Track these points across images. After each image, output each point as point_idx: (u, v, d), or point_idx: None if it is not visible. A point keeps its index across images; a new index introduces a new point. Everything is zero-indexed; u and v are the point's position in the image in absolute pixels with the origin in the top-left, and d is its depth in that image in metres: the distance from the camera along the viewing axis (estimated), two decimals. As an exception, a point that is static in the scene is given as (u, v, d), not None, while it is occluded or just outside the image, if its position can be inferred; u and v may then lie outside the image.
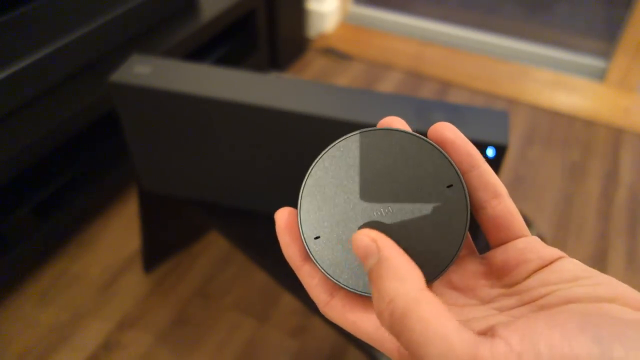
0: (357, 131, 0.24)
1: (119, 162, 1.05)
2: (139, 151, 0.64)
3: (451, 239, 0.23)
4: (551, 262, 0.22)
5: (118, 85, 0.57)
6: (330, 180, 0.23)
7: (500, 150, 0.51)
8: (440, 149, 0.23)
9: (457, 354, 0.16)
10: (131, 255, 1.03)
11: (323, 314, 0.24)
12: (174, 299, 0.96)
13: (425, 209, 0.23)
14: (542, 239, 0.65)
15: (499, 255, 0.23)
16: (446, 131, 0.23)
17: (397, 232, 0.23)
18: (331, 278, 0.23)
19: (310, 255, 0.23)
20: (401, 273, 0.19)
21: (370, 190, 0.23)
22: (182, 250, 1.04)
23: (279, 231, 0.24)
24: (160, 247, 1.00)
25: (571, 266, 0.21)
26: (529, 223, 0.67)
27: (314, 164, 0.24)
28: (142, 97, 0.57)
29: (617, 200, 1.15)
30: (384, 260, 0.19)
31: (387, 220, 0.23)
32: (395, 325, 0.18)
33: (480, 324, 0.20)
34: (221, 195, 0.67)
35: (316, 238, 0.23)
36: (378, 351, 0.55)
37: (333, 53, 1.60)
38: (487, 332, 0.17)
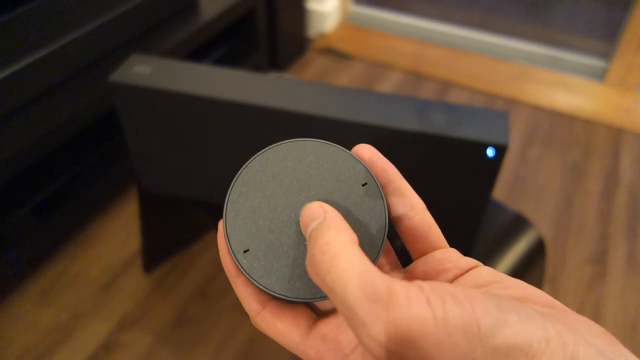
0: (271, 145, 0.25)
1: (119, 162, 1.05)
2: (139, 151, 0.64)
3: (373, 233, 0.24)
4: (467, 271, 0.23)
5: (118, 85, 0.57)
6: (254, 192, 0.24)
7: (500, 150, 0.51)
8: (352, 154, 0.25)
9: (376, 287, 0.17)
10: (131, 255, 1.03)
11: (254, 324, 0.24)
12: (174, 299, 0.96)
13: (346, 207, 0.24)
14: (542, 239, 0.65)
15: (419, 267, 0.25)
16: (364, 150, 0.25)
17: None
18: (264, 289, 0.23)
19: (241, 270, 0.23)
20: (340, 227, 0.20)
21: (293, 197, 0.24)
22: (182, 250, 1.04)
23: (218, 238, 0.25)
24: (160, 247, 1.00)
25: (485, 272, 0.23)
26: (529, 224, 0.67)
27: (235, 179, 0.24)
28: (142, 97, 0.57)
29: (617, 200, 1.15)
30: (328, 218, 0.21)
31: None
32: (324, 264, 0.19)
33: None
34: (221, 195, 0.67)
35: (245, 251, 0.23)
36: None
37: (333, 53, 1.60)
38: None
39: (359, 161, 0.25)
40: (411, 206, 0.25)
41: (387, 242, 0.26)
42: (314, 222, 0.21)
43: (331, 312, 0.24)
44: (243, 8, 1.21)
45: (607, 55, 1.49)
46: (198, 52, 1.20)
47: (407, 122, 0.52)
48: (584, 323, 0.20)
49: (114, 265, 1.01)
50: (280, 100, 0.55)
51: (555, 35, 1.65)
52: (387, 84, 1.49)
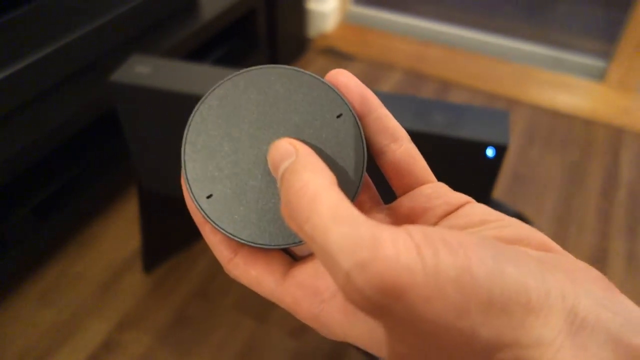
0: (232, 74, 0.22)
1: (119, 162, 1.05)
2: (139, 151, 0.64)
3: (351, 170, 0.22)
4: (458, 207, 0.22)
5: (118, 85, 0.57)
6: (216, 130, 0.22)
7: (501, 150, 0.51)
8: (325, 81, 0.22)
9: (360, 234, 0.16)
10: (131, 255, 1.03)
11: (227, 272, 0.23)
12: (174, 299, 0.96)
13: (320, 141, 0.22)
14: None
15: (405, 203, 0.23)
16: (339, 76, 0.23)
17: None
18: (232, 236, 0.21)
19: (205, 217, 0.21)
20: (317, 167, 0.18)
21: (258, 134, 0.22)
22: (182, 250, 1.04)
23: (183, 189, 0.23)
24: (160, 247, 1.00)
25: (479, 210, 0.21)
26: (529, 223, 0.67)
27: (191, 117, 0.22)
28: (142, 97, 0.57)
29: (617, 200, 1.15)
30: (301, 157, 0.19)
31: None
32: (302, 210, 0.17)
33: None
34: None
35: (208, 197, 0.21)
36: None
37: (333, 53, 1.60)
38: None
39: (332, 89, 0.22)
40: (393, 137, 0.23)
41: (366, 177, 0.24)
42: (284, 162, 0.19)
43: (308, 256, 0.23)
44: (243, 8, 1.21)
45: (607, 55, 1.49)
46: (198, 52, 1.20)
47: (407, 121, 0.52)
48: (582, 268, 0.19)
49: (114, 265, 1.01)
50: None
51: (555, 35, 1.65)
52: (387, 84, 1.49)
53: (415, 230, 0.16)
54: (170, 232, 1.00)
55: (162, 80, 0.56)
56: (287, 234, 0.21)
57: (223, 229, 0.21)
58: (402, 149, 0.23)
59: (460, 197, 0.22)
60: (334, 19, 1.69)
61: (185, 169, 0.22)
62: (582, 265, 0.19)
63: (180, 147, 0.62)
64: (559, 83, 1.49)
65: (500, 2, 1.82)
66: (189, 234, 1.05)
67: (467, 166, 0.53)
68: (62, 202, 0.96)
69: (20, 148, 0.79)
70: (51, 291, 0.96)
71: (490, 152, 0.51)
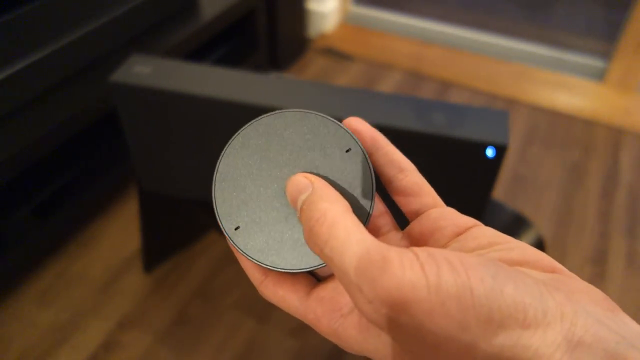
0: (250, 122, 0.25)
1: (119, 162, 1.05)
2: (139, 151, 0.64)
3: (362, 197, 0.24)
4: (466, 230, 0.23)
5: (118, 85, 0.57)
6: (240, 170, 0.25)
7: (500, 150, 0.51)
8: (333, 120, 0.25)
9: (371, 255, 0.18)
10: (131, 255, 1.03)
11: (260, 293, 0.25)
12: (174, 299, 0.96)
13: (333, 173, 0.24)
14: (542, 239, 0.65)
15: (415, 227, 0.25)
16: (352, 122, 0.25)
17: None
18: (259, 263, 0.24)
19: (235, 247, 0.24)
20: (332, 197, 0.21)
21: (277, 171, 0.25)
22: (182, 250, 1.04)
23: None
24: (160, 247, 1.00)
25: (487, 233, 0.23)
26: (529, 224, 0.67)
27: (219, 160, 0.25)
28: (142, 97, 0.57)
29: (617, 200, 1.15)
30: (317, 189, 0.21)
31: None
32: (322, 235, 0.19)
33: None
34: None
35: (236, 229, 0.24)
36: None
37: (333, 53, 1.60)
38: None
39: (340, 126, 0.25)
40: (400, 169, 0.25)
41: (383, 204, 0.26)
42: (302, 194, 0.22)
43: (329, 276, 0.25)
44: (243, 8, 1.21)
45: (607, 55, 1.49)
46: (198, 52, 1.20)
47: (407, 121, 0.52)
48: (585, 290, 0.20)
49: (114, 265, 1.01)
50: (280, 100, 0.55)
51: (555, 35, 1.65)
52: (387, 84, 1.49)
53: (420, 251, 0.18)
54: (170, 232, 1.00)
55: (162, 80, 0.56)
56: (307, 259, 0.24)
57: (250, 256, 0.24)
58: (408, 178, 0.25)
59: (467, 220, 0.24)
60: (334, 19, 1.69)
61: (215, 206, 0.25)
62: (585, 286, 0.20)
63: (181, 148, 0.62)
64: (559, 83, 1.49)
65: (500, 2, 1.82)
66: (189, 234, 1.05)
67: (467, 166, 0.53)
68: (62, 202, 0.96)
69: (20, 148, 0.79)
70: (51, 291, 0.96)
71: (490, 152, 0.51)
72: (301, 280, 0.24)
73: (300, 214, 0.22)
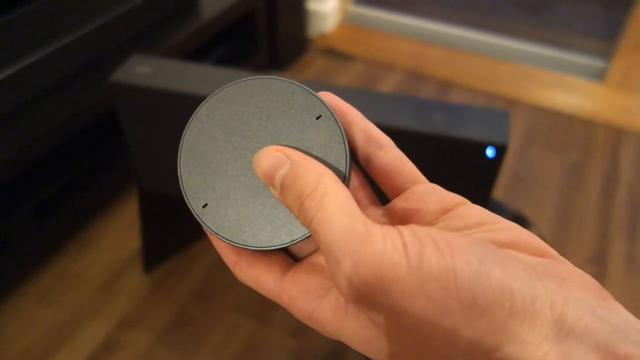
0: (215, 91, 0.24)
1: (119, 162, 1.05)
2: (139, 151, 0.64)
3: (337, 164, 0.23)
4: (453, 207, 0.22)
5: (118, 85, 0.57)
6: (205, 144, 0.23)
7: (500, 150, 0.51)
8: (302, 85, 0.23)
9: (355, 228, 0.17)
10: (131, 255, 1.03)
11: (235, 275, 0.24)
12: (174, 299, 0.96)
13: (304, 143, 0.23)
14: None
15: (398, 204, 0.24)
16: (324, 96, 0.24)
17: None
18: (229, 242, 0.23)
19: (203, 225, 0.23)
20: (319, 169, 0.20)
21: (244, 143, 0.23)
22: (182, 250, 1.04)
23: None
24: (160, 247, 1.00)
25: (475, 212, 0.22)
26: (529, 223, 0.67)
27: (184, 133, 0.24)
28: (142, 97, 0.57)
29: (617, 200, 1.15)
30: (297, 163, 0.20)
31: None
32: (312, 208, 0.19)
33: None
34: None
35: (204, 206, 0.23)
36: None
37: (333, 53, 1.60)
38: None
39: (310, 92, 0.23)
40: (378, 145, 0.24)
41: (362, 177, 0.25)
42: (280, 170, 0.20)
43: (306, 257, 0.24)
44: (243, 8, 1.21)
45: (607, 55, 1.49)
46: (198, 52, 1.20)
47: (407, 121, 0.52)
48: (577, 276, 0.19)
49: (114, 265, 1.01)
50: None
51: (555, 35, 1.65)
52: (387, 84, 1.49)
53: (405, 229, 0.17)
54: (170, 232, 1.00)
55: (162, 80, 0.57)
56: (280, 236, 0.22)
57: (220, 235, 0.23)
58: (387, 155, 0.24)
59: (455, 197, 0.23)
60: (334, 19, 1.69)
61: (181, 183, 0.23)
62: (577, 272, 0.19)
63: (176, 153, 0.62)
64: (559, 83, 1.49)
65: (501, 2, 1.83)
66: (189, 234, 1.05)
67: (467, 166, 0.53)
68: (62, 202, 0.96)
69: (20, 148, 0.79)
70: (51, 291, 0.96)
71: (490, 152, 0.51)
72: (276, 261, 0.23)
73: (282, 190, 0.20)
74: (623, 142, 1.31)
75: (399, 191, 0.24)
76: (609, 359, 0.16)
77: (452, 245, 0.17)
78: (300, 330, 0.91)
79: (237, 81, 0.24)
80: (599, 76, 1.49)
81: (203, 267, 1.01)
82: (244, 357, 0.88)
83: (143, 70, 0.58)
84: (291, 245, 0.22)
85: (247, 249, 0.23)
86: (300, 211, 0.19)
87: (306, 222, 0.19)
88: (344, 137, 0.23)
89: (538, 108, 1.41)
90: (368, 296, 0.17)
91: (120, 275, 0.99)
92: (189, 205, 0.23)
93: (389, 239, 0.17)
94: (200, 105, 0.24)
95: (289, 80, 0.23)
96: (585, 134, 1.33)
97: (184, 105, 0.57)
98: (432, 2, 1.80)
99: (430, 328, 0.16)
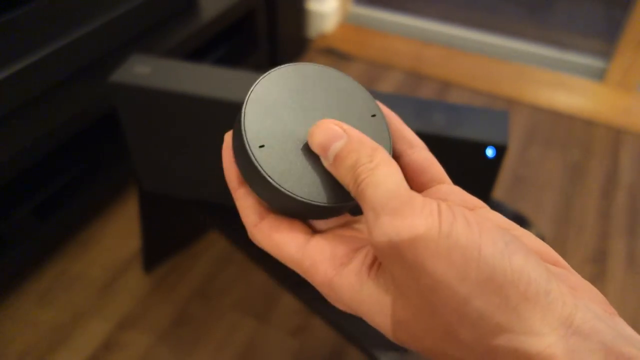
0: (292, 64, 0.26)
1: (119, 162, 1.05)
2: (139, 151, 0.64)
3: None
4: (473, 209, 0.23)
5: (118, 85, 0.57)
6: (274, 98, 0.24)
7: (500, 150, 0.51)
8: (364, 87, 0.26)
9: (401, 193, 0.19)
10: (131, 255, 1.03)
11: (251, 237, 0.24)
12: (174, 299, 0.96)
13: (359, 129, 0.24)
14: (542, 238, 0.65)
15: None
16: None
17: None
18: (275, 183, 0.23)
19: (254, 161, 0.23)
20: (374, 144, 0.22)
21: (310, 111, 0.25)
22: (182, 250, 1.04)
23: (223, 151, 0.25)
24: (160, 247, 1.00)
25: (495, 217, 0.23)
26: (529, 223, 0.67)
27: (258, 80, 0.25)
28: (142, 97, 0.57)
29: (617, 200, 1.15)
30: (354, 138, 0.22)
31: None
32: (365, 173, 0.20)
33: None
34: (221, 195, 0.67)
35: (261, 147, 0.23)
36: (379, 351, 0.55)
37: (333, 53, 1.60)
38: None
39: (370, 95, 0.26)
40: (410, 145, 0.26)
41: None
42: (336, 142, 0.22)
43: (328, 229, 0.25)
44: (243, 8, 1.21)
45: (607, 55, 1.49)
46: (198, 52, 1.20)
47: (407, 122, 0.52)
48: (588, 289, 0.20)
49: (114, 265, 1.01)
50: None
51: (555, 35, 1.65)
52: (387, 84, 1.49)
53: (443, 203, 0.19)
54: (170, 232, 1.00)
55: (162, 80, 0.56)
56: (326, 196, 0.23)
57: (270, 176, 0.23)
58: (417, 154, 0.26)
59: (476, 201, 0.24)
60: (333, 19, 1.69)
61: (244, 119, 0.23)
62: (587, 285, 0.20)
63: (181, 148, 0.62)
64: (559, 83, 1.49)
65: (501, 1, 1.83)
66: (189, 234, 1.05)
67: (467, 166, 0.53)
68: (62, 202, 0.96)
69: (20, 148, 0.79)
70: (51, 291, 0.96)
71: (490, 152, 0.51)
72: (299, 228, 0.23)
73: (335, 161, 0.22)
74: (623, 142, 1.31)
75: (423, 188, 0.25)
76: (613, 357, 0.17)
77: (481, 225, 0.18)
78: (300, 329, 0.91)
79: (310, 63, 0.26)
80: (599, 76, 1.49)
81: (203, 267, 1.01)
82: (244, 357, 0.88)
83: (143, 70, 0.58)
84: (339, 207, 0.23)
85: (289, 195, 0.23)
86: (351, 177, 0.21)
87: (355, 186, 0.21)
88: (390, 136, 0.25)
89: (538, 108, 1.41)
90: (398, 251, 0.18)
91: (120, 275, 0.99)
92: (245, 142, 0.23)
93: (427, 206, 0.19)
94: (274, 69, 0.25)
95: (358, 83, 0.27)
96: (585, 134, 1.33)
97: (184, 106, 0.57)
98: (432, 2, 1.80)
99: (446, 291, 0.18)
